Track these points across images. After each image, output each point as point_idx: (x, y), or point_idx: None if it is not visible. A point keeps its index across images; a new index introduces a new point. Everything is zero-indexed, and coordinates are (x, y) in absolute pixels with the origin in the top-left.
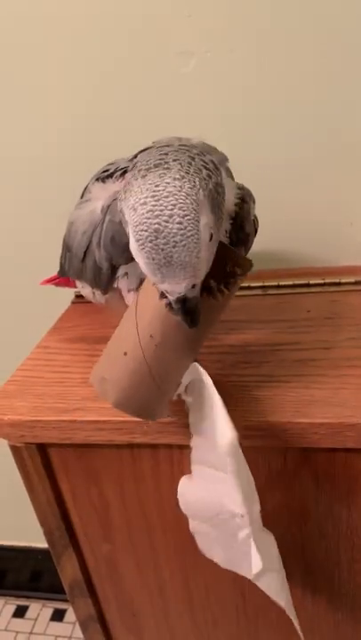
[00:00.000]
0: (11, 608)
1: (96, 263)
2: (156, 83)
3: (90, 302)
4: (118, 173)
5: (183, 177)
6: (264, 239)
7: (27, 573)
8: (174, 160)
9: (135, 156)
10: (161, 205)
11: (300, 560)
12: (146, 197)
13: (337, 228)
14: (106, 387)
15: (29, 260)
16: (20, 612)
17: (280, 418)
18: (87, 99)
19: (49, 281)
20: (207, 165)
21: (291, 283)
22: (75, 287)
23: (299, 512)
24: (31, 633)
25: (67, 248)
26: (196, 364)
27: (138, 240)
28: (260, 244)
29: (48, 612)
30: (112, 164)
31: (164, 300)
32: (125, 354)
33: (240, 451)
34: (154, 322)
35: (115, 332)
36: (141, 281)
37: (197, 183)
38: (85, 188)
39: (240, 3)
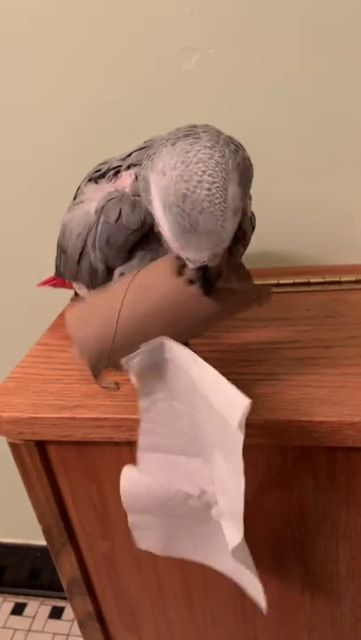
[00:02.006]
0: (9, 605)
1: (92, 265)
2: (157, 79)
3: None
4: (111, 173)
5: (213, 146)
6: (264, 237)
7: (25, 571)
8: (204, 132)
9: (129, 155)
10: (190, 171)
11: (298, 558)
12: (175, 162)
13: (337, 226)
14: (73, 311)
15: (28, 258)
16: (18, 610)
17: (279, 416)
18: (88, 96)
19: (46, 282)
20: (233, 141)
21: (291, 281)
22: (71, 288)
23: (298, 510)
24: (29, 630)
25: (61, 250)
26: (169, 342)
27: (165, 204)
28: (261, 243)
29: (46, 609)
30: (104, 163)
31: (174, 263)
32: (108, 290)
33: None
34: (153, 274)
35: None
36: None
37: (227, 153)
38: (78, 189)
39: (242, 0)
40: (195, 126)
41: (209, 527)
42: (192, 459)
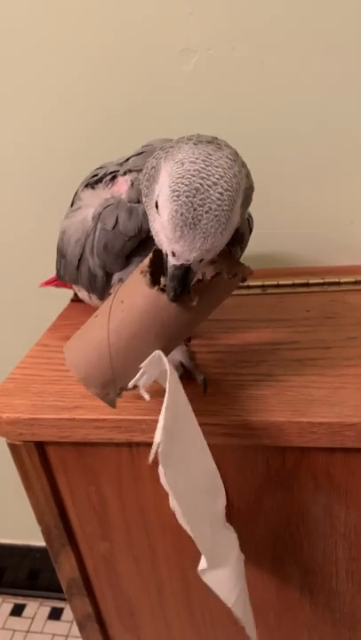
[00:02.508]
0: (8, 606)
1: (90, 270)
2: (157, 80)
3: None
4: (108, 178)
5: (234, 160)
6: (264, 239)
7: (24, 572)
8: (226, 145)
9: (127, 160)
10: (209, 171)
11: (298, 559)
12: (197, 159)
13: (337, 227)
14: (68, 346)
15: (28, 259)
16: (17, 611)
17: (279, 417)
18: (88, 97)
19: (48, 283)
20: (245, 166)
21: (290, 282)
22: (72, 288)
23: (297, 511)
24: (28, 631)
25: (61, 255)
26: (162, 354)
27: (174, 191)
28: (260, 244)
29: (45, 610)
30: (101, 168)
31: (145, 273)
32: (96, 316)
33: (198, 444)
34: (129, 289)
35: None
36: None
37: (242, 173)
38: (75, 194)
39: (242, 0)
40: (216, 137)
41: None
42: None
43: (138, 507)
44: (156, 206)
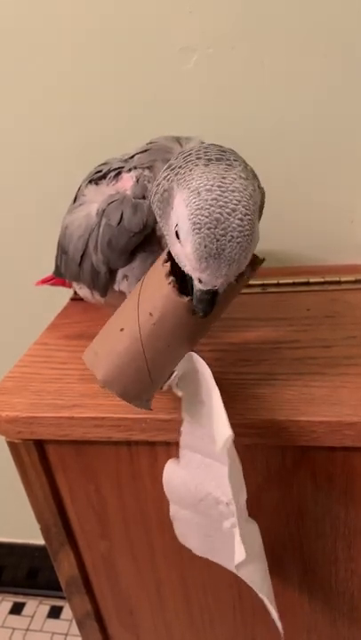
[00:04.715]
0: (7, 605)
1: (94, 267)
2: (156, 79)
3: None
4: (112, 174)
5: (247, 178)
6: (264, 237)
7: (24, 570)
8: (235, 160)
9: (132, 157)
10: (226, 198)
11: (297, 559)
12: (212, 185)
13: (337, 226)
14: (96, 362)
15: (27, 257)
16: (16, 609)
17: (279, 416)
18: (88, 96)
19: (44, 281)
20: (255, 175)
21: (291, 281)
22: (70, 287)
23: (297, 510)
24: (28, 630)
25: (62, 251)
26: (193, 353)
27: (195, 224)
28: (261, 243)
29: (45, 609)
30: (104, 164)
31: (171, 282)
32: (122, 330)
33: (233, 447)
34: (156, 300)
35: (116, 311)
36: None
37: (256, 189)
38: (79, 190)
39: None
40: (224, 151)
41: (231, 535)
42: (223, 466)
43: (137, 505)
44: (177, 235)
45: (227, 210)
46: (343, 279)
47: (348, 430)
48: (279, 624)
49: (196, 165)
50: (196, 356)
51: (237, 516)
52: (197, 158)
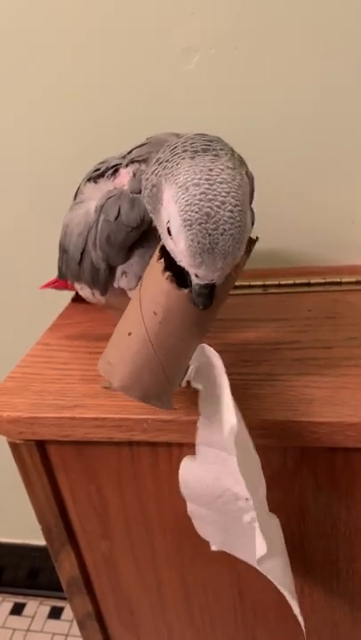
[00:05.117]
0: (8, 605)
1: (93, 264)
2: (158, 80)
3: None
4: (110, 172)
5: (234, 168)
6: (265, 238)
7: (24, 571)
8: (221, 149)
9: (130, 152)
10: (215, 190)
11: (298, 559)
12: (200, 179)
13: (338, 226)
14: (111, 371)
15: (29, 258)
16: (17, 610)
17: (280, 417)
18: (88, 97)
19: (48, 285)
20: (241, 159)
21: (291, 282)
22: (73, 290)
23: (298, 511)
24: (28, 630)
25: (63, 251)
26: (205, 345)
27: (186, 220)
28: (262, 243)
29: (45, 609)
30: (103, 162)
31: (168, 278)
32: (130, 334)
33: (247, 435)
34: (157, 298)
35: (122, 317)
36: (139, 280)
37: (244, 177)
38: (78, 189)
39: (243, 0)
40: (210, 141)
41: (252, 530)
42: (234, 458)
43: (138, 506)
44: (169, 232)
45: (216, 203)
46: (344, 280)
47: (349, 431)
48: (301, 619)
49: (183, 159)
50: (208, 348)
51: (257, 510)
52: (183, 151)
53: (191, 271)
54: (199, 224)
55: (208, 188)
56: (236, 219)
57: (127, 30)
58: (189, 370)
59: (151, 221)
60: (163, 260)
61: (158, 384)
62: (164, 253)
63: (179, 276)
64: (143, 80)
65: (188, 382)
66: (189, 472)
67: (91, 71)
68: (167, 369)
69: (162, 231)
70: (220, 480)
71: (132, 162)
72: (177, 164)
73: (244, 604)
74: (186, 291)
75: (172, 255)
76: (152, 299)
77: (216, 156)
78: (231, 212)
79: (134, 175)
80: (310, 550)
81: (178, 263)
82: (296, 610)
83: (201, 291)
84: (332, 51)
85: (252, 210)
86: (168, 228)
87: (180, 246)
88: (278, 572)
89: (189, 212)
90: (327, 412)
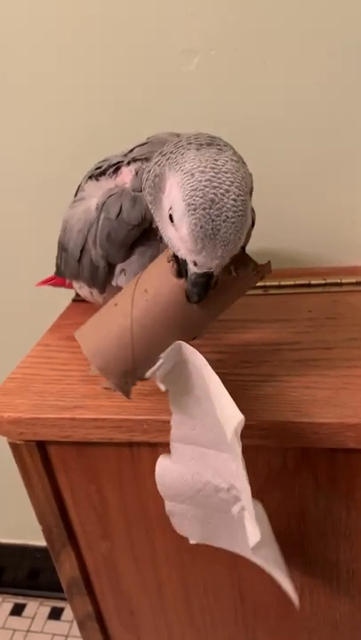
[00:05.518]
0: (8, 606)
1: (93, 262)
2: (159, 81)
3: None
4: (111, 170)
5: (238, 161)
6: (266, 239)
7: (24, 571)
8: (225, 145)
9: (131, 150)
10: (220, 179)
11: (298, 560)
12: (205, 167)
13: (339, 227)
14: (85, 335)
15: (29, 258)
16: (17, 610)
17: (280, 417)
18: (89, 97)
19: (45, 282)
20: (244, 161)
21: (292, 282)
22: (71, 287)
23: (298, 512)
24: (28, 631)
25: (62, 248)
26: (182, 343)
27: (190, 205)
28: (262, 244)
29: (45, 610)
30: (104, 160)
31: (171, 261)
32: (116, 305)
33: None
34: (152, 280)
35: (117, 293)
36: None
37: (247, 170)
38: (79, 187)
39: (244, 1)
40: (213, 137)
41: (241, 520)
42: (221, 453)
43: (138, 506)
44: (171, 219)
45: (220, 190)
46: (345, 281)
47: (349, 432)
48: (296, 597)
49: (188, 150)
50: (185, 346)
51: (244, 499)
52: (188, 144)
53: (190, 258)
54: (203, 209)
55: (214, 176)
56: (239, 207)
57: (128, 31)
58: (158, 364)
59: (152, 220)
60: (172, 251)
61: (123, 361)
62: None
63: (180, 270)
64: (144, 81)
65: (154, 377)
66: (166, 470)
67: (91, 71)
68: (136, 349)
69: (162, 220)
70: (201, 474)
71: (134, 160)
72: (182, 155)
73: (245, 605)
74: (181, 281)
75: (170, 246)
76: (150, 278)
77: (220, 150)
78: (235, 200)
79: (136, 174)
80: (310, 550)
81: (176, 253)
82: (291, 591)
83: (197, 280)
84: (333, 51)
85: (253, 210)
86: (170, 215)
87: (182, 231)
88: (272, 559)
89: (194, 197)
90: (328, 413)
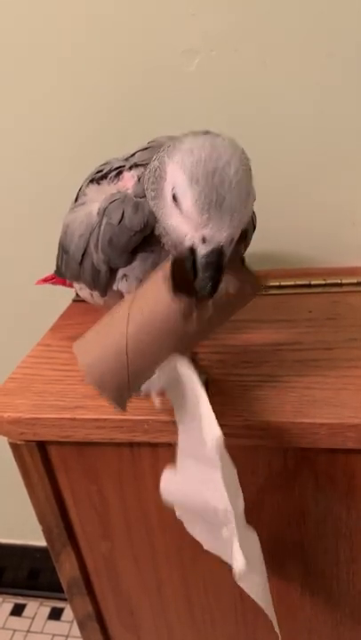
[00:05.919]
0: (8, 606)
1: (94, 266)
2: (159, 82)
3: None
4: (113, 174)
5: (237, 146)
6: (266, 239)
7: (25, 571)
8: (223, 137)
9: (133, 155)
10: (219, 153)
11: (298, 560)
12: (203, 144)
13: (339, 228)
14: (81, 348)
15: (29, 258)
16: (17, 611)
17: (280, 418)
18: (89, 98)
19: (45, 280)
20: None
21: (292, 283)
22: (71, 286)
23: (298, 512)
24: (28, 631)
25: (63, 250)
26: (177, 358)
27: (192, 177)
28: (262, 245)
29: (45, 610)
30: (106, 164)
31: (170, 282)
32: (112, 319)
33: (225, 451)
34: (150, 299)
35: (114, 306)
36: (140, 282)
37: (246, 155)
38: (80, 190)
39: (244, 2)
40: (208, 130)
41: (230, 543)
42: (214, 470)
43: (139, 506)
44: (174, 199)
45: (221, 162)
46: (345, 281)
47: (349, 432)
48: (277, 630)
49: (186, 136)
50: (180, 360)
51: (236, 524)
52: (184, 136)
53: (198, 235)
54: (205, 179)
55: (212, 151)
56: (241, 176)
57: (128, 32)
58: (153, 378)
59: (154, 227)
60: (169, 264)
61: (118, 377)
62: (172, 265)
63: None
64: (144, 81)
65: (148, 393)
66: (171, 484)
67: (91, 72)
68: (132, 365)
69: (163, 208)
70: (201, 491)
71: (136, 165)
72: (180, 142)
73: (245, 604)
74: (178, 295)
75: (174, 235)
76: (145, 295)
77: (217, 136)
78: (237, 170)
79: (139, 180)
80: (310, 551)
81: (182, 241)
82: (275, 623)
83: (209, 261)
84: (333, 51)
85: (253, 213)
86: (173, 196)
87: (185, 205)
88: (257, 589)
89: (196, 169)
90: (328, 414)
